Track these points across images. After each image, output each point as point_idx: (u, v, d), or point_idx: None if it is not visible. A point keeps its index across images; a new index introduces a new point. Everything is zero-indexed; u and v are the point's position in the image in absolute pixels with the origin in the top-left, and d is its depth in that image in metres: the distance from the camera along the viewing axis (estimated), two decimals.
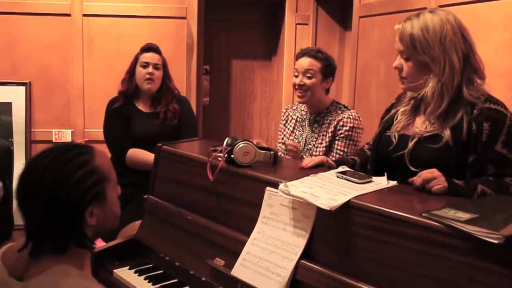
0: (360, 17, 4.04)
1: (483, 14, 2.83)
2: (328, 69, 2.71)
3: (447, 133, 1.78)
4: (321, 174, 1.81)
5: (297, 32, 4.79)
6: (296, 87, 2.71)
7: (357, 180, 1.72)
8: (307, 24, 4.82)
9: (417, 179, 1.66)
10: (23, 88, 4.37)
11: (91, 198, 1.35)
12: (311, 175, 1.79)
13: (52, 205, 1.30)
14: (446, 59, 1.79)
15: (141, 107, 3.13)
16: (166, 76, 3.13)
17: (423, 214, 1.39)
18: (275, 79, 5.18)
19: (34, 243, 1.35)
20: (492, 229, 1.24)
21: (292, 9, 4.79)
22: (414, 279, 1.38)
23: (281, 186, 1.68)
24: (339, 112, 2.71)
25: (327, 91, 2.77)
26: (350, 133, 2.64)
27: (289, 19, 4.80)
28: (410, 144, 1.85)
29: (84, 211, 1.34)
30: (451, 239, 1.32)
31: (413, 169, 1.79)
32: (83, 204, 1.34)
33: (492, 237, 1.22)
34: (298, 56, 2.76)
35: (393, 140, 1.93)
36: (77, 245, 1.36)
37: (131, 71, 3.11)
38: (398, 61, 1.91)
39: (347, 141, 2.64)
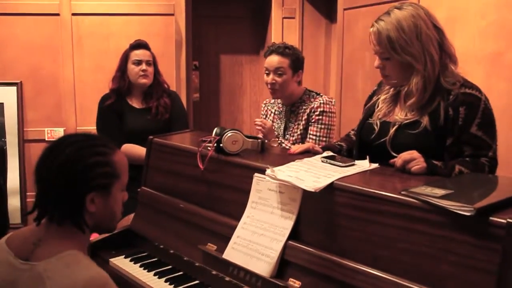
0: (345, 9, 4.12)
1: (461, 4, 2.91)
2: (297, 63, 2.79)
3: (425, 119, 1.86)
4: (306, 159, 1.89)
5: (284, 25, 4.86)
6: (268, 85, 2.80)
7: (341, 163, 1.79)
8: (293, 18, 4.89)
9: (398, 160, 1.75)
10: (14, 88, 4.41)
11: (96, 185, 1.43)
12: (296, 160, 1.87)
13: (62, 177, 1.40)
14: (425, 54, 1.84)
15: (134, 103, 3.19)
16: (156, 71, 3.19)
17: (402, 192, 1.47)
18: (263, 72, 5.23)
19: (39, 209, 1.45)
20: (465, 203, 1.32)
21: (279, 3, 4.86)
22: (395, 254, 1.46)
23: (268, 171, 1.75)
24: (312, 100, 2.81)
25: (299, 82, 2.86)
26: (321, 117, 2.74)
27: (275, 13, 4.87)
28: (391, 131, 1.92)
29: (86, 194, 1.42)
30: (428, 214, 1.40)
31: (394, 154, 1.85)
32: (87, 187, 1.42)
33: (465, 210, 1.30)
34: (266, 54, 2.84)
35: (375, 127, 2.00)
36: (74, 225, 1.43)
37: (123, 69, 3.16)
38: (378, 61, 1.94)
39: (319, 126, 2.74)
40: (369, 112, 2.12)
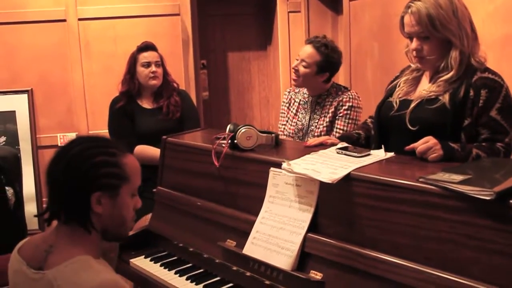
0: (351, 0, 4.10)
1: None
2: (326, 65, 2.75)
3: (446, 97, 1.88)
4: (321, 152, 1.89)
5: (289, 20, 4.86)
6: (292, 70, 2.80)
7: (356, 154, 1.80)
8: (299, 12, 4.88)
9: (417, 153, 1.74)
10: (25, 95, 4.45)
11: (102, 185, 1.41)
12: (312, 153, 1.87)
13: (67, 174, 1.40)
14: (461, 29, 1.88)
15: (145, 104, 3.20)
16: (165, 72, 3.21)
17: (420, 179, 1.47)
18: (272, 68, 5.24)
19: (50, 210, 1.46)
20: (484, 187, 1.31)
21: None
22: (416, 242, 1.46)
23: (284, 165, 1.76)
24: (340, 93, 2.80)
25: (326, 81, 2.81)
26: (349, 111, 2.73)
27: (281, 8, 4.87)
28: (412, 105, 1.94)
29: (91, 193, 1.40)
30: (447, 200, 1.40)
31: (410, 128, 1.90)
32: (92, 186, 1.40)
33: (484, 194, 1.30)
34: (306, 42, 2.84)
35: (394, 105, 2.03)
36: (81, 226, 1.42)
37: (132, 71, 3.16)
38: (416, 42, 1.93)
39: (346, 120, 2.73)
40: (389, 92, 2.14)
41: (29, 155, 4.48)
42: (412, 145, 1.75)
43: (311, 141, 2.09)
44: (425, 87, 1.98)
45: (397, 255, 1.49)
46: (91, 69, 4.48)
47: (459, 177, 1.42)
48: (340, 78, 4.71)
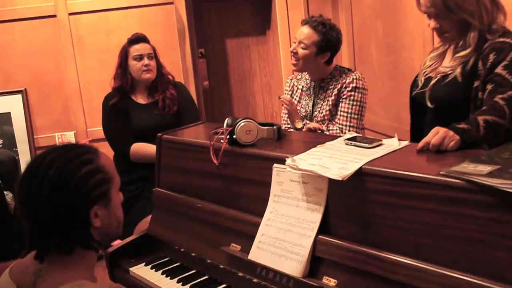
0: None
1: None
2: (326, 44, 2.59)
3: (458, 70, 1.84)
4: (328, 144, 1.73)
5: (288, 1, 4.66)
6: (291, 54, 2.63)
7: (367, 144, 1.63)
8: None
9: (431, 147, 1.56)
10: (19, 96, 4.32)
11: (96, 198, 1.29)
12: (318, 146, 1.71)
13: (58, 202, 1.24)
14: (480, 5, 1.81)
15: (139, 99, 3.05)
16: (159, 64, 3.05)
17: (442, 173, 1.30)
18: (272, 53, 5.07)
19: (39, 246, 1.29)
20: None
21: None
22: (440, 242, 1.30)
23: (288, 161, 1.60)
24: (344, 75, 2.64)
25: (328, 62, 2.66)
26: (353, 93, 2.57)
27: None
28: (430, 84, 1.93)
29: (89, 211, 1.28)
30: (475, 195, 1.23)
31: (430, 105, 1.92)
32: (88, 203, 1.28)
33: None
34: (302, 22, 2.67)
35: (419, 83, 2.01)
36: (83, 246, 1.30)
37: (124, 66, 3.02)
38: (433, 22, 1.88)
39: (351, 102, 2.57)
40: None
41: (27, 156, 4.35)
42: (422, 142, 1.56)
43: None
44: (446, 64, 1.93)
45: (419, 258, 1.34)
46: (85, 64, 4.33)
47: (486, 168, 1.26)
48: (344, 59, 4.53)
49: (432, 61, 2.03)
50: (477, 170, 1.26)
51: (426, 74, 2.01)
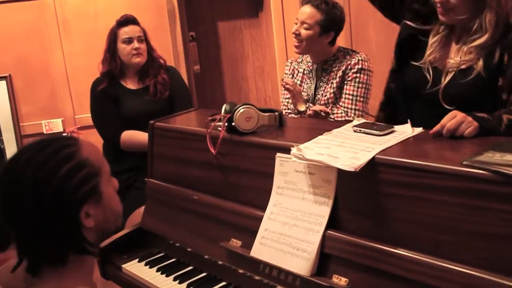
0: None
1: None
2: (329, 23, 2.48)
3: (480, 64, 1.64)
4: (335, 131, 1.60)
5: None
6: (293, 35, 2.51)
7: (378, 132, 1.51)
8: None
9: (445, 132, 1.45)
10: (3, 82, 4.15)
11: (85, 196, 1.15)
12: (325, 133, 1.58)
13: (39, 211, 1.11)
14: None
15: (129, 84, 2.91)
16: (149, 47, 2.91)
17: (464, 163, 1.19)
18: (265, 36, 4.92)
19: (30, 258, 1.17)
20: None
21: None
22: (463, 238, 1.20)
23: (294, 150, 1.48)
24: (348, 57, 2.53)
25: (332, 42, 2.55)
26: (358, 75, 2.46)
27: None
28: (444, 80, 1.72)
29: (78, 213, 1.14)
30: (502, 187, 1.13)
31: (447, 107, 1.64)
32: (75, 204, 1.14)
33: None
34: (302, 2, 2.55)
35: (428, 75, 1.76)
36: (78, 252, 1.17)
37: (112, 49, 2.87)
38: None
39: (356, 84, 2.46)
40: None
41: (13, 145, 4.21)
42: (437, 126, 1.44)
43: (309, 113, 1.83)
44: (455, 54, 1.72)
45: (440, 256, 1.23)
46: (72, 49, 4.16)
47: None
48: (340, 42, 4.40)
49: (436, 47, 1.79)
50: (504, 160, 1.15)
51: (433, 63, 1.78)
